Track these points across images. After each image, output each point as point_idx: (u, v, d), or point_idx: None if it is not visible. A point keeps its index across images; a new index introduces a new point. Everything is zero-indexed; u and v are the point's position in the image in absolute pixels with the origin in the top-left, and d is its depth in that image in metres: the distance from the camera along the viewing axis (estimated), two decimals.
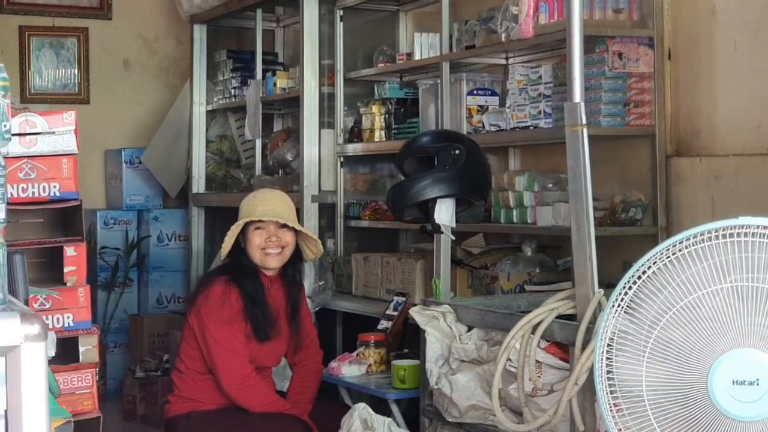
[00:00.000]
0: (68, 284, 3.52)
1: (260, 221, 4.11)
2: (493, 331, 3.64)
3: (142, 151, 7.19)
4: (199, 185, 6.90)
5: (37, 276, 3.63)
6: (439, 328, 3.78)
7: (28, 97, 7.20)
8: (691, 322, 2.43)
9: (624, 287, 2.53)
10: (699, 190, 4.25)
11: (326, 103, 5.84)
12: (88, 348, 3.52)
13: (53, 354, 2.03)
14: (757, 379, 2.37)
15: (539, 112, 4.58)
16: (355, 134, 5.75)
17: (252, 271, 4.14)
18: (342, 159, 5.78)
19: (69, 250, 3.52)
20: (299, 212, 5.31)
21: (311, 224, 5.62)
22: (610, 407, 2.55)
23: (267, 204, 4.14)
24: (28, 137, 3.39)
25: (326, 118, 5.84)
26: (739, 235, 2.40)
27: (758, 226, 2.39)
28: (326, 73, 5.85)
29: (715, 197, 4.18)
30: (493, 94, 5.03)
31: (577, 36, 3.29)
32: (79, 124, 3.49)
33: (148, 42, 7.59)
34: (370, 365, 4.47)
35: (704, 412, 2.42)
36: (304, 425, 4.00)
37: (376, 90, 5.64)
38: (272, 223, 4.12)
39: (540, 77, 4.60)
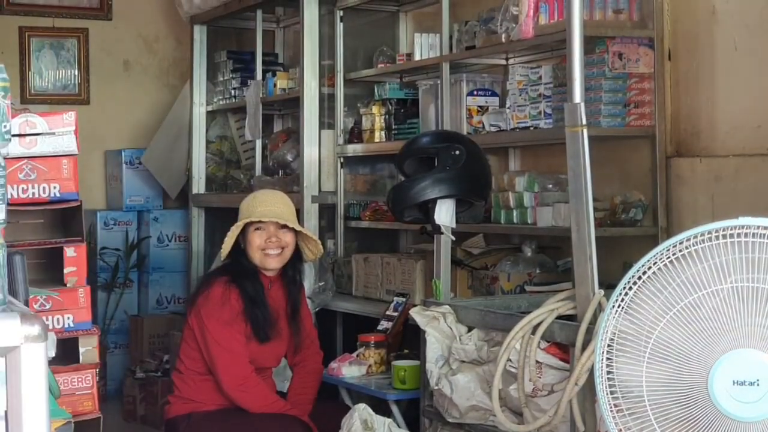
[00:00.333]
0: (68, 285, 3.52)
1: (260, 222, 4.11)
2: (493, 331, 3.64)
3: (142, 152, 7.19)
4: (199, 186, 6.90)
5: (38, 277, 3.63)
6: (440, 329, 3.78)
7: (28, 98, 7.20)
8: (691, 322, 2.43)
9: (624, 288, 2.53)
10: (699, 190, 4.25)
11: (326, 104, 5.84)
12: (88, 349, 3.52)
13: (53, 355, 2.03)
14: (758, 380, 2.37)
15: (539, 113, 4.58)
16: (355, 135, 5.75)
17: (252, 271, 4.14)
18: (342, 159, 5.78)
19: (69, 251, 3.52)
20: (299, 213, 5.31)
21: (311, 225, 5.62)
22: (611, 408, 2.55)
23: (267, 204, 4.14)
24: (28, 138, 3.39)
25: (326, 119, 5.84)
26: (739, 235, 2.40)
27: (758, 227, 2.39)
28: (326, 74, 5.85)
29: (715, 198, 4.18)
30: (493, 94, 5.03)
31: (577, 36, 3.29)
32: (79, 125, 3.49)
33: (148, 42, 7.59)
34: (370, 366, 4.47)
35: (704, 413, 2.42)
36: (305, 426, 4.00)
37: (376, 90, 5.64)
38: (272, 224, 4.12)
39: (540, 78, 4.60)
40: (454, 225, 3.94)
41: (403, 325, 4.61)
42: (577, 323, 3.23)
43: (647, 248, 2.59)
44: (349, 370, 4.42)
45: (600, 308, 3.17)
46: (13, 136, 3.07)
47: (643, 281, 2.50)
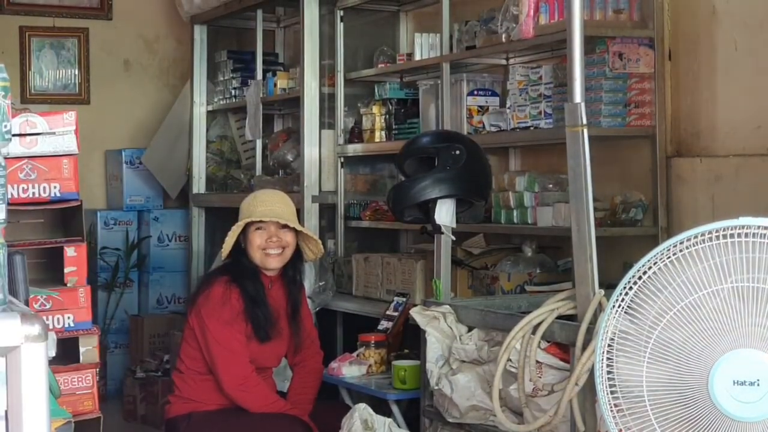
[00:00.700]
0: (68, 285, 3.52)
1: (261, 222, 4.11)
2: (493, 331, 3.64)
3: (143, 152, 7.19)
4: (199, 186, 6.90)
5: (38, 276, 3.63)
6: (440, 329, 3.78)
7: (28, 98, 7.20)
8: (691, 322, 2.43)
9: (624, 288, 2.53)
10: (699, 190, 4.25)
11: (326, 104, 5.84)
12: (88, 348, 3.52)
13: (53, 354, 2.03)
14: (758, 380, 2.37)
15: (539, 113, 4.58)
16: (355, 135, 5.75)
17: (252, 271, 4.14)
18: (342, 159, 5.78)
19: (69, 251, 3.52)
20: (300, 213, 5.31)
21: (312, 225, 5.63)
22: (611, 407, 2.55)
23: (267, 204, 4.14)
24: (28, 138, 3.39)
25: (326, 119, 5.84)
26: (739, 235, 2.40)
27: (759, 227, 2.39)
28: (326, 74, 5.85)
29: (715, 198, 4.18)
30: (494, 94, 5.03)
31: (577, 36, 3.29)
32: (79, 125, 3.49)
33: (148, 42, 7.59)
34: (370, 366, 4.47)
35: (705, 413, 2.42)
36: (305, 426, 4.00)
37: (376, 90, 5.64)
38: (273, 224, 4.12)
39: (540, 78, 4.60)
40: (454, 225, 3.94)
41: (403, 325, 4.61)
42: (577, 323, 3.23)
43: (647, 248, 2.59)
44: (349, 369, 4.42)
45: (600, 308, 3.17)
46: (14, 135, 3.07)
47: (644, 281, 2.50)
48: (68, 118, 3.45)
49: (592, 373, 2.92)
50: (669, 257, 2.47)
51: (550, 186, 4.64)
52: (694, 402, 2.43)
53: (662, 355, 2.46)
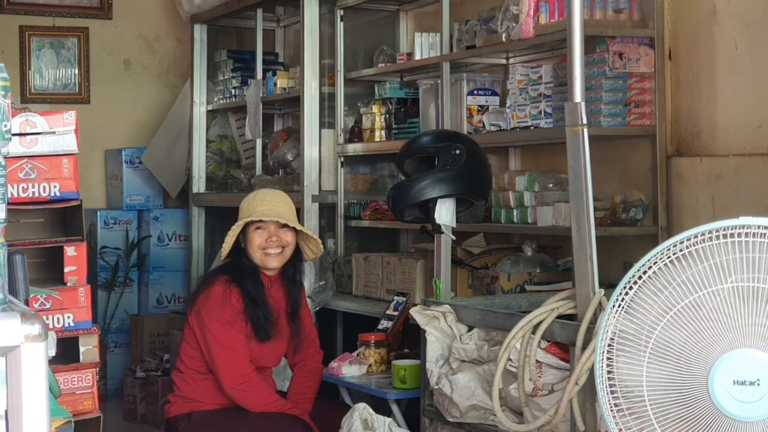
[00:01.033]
0: (68, 284, 3.53)
1: (260, 221, 4.11)
2: (493, 331, 3.64)
3: (143, 151, 7.19)
4: (199, 185, 6.90)
5: (38, 276, 3.63)
6: (440, 328, 3.78)
7: (28, 97, 7.20)
8: (691, 322, 2.43)
9: (625, 287, 2.53)
10: (699, 190, 4.25)
11: (327, 103, 5.84)
12: (88, 348, 3.52)
13: (53, 354, 2.03)
14: (758, 379, 2.37)
15: (540, 112, 4.58)
16: (355, 134, 5.75)
17: (252, 271, 4.13)
18: (342, 159, 5.77)
19: (69, 250, 3.52)
20: (300, 212, 5.31)
21: (312, 224, 5.63)
22: (611, 407, 2.55)
23: (267, 204, 4.13)
24: (28, 137, 3.39)
25: (327, 118, 5.84)
26: (739, 235, 2.40)
27: (759, 227, 2.39)
28: (326, 73, 5.85)
29: (715, 197, 4.18)
30: (494, 94, 5.03)
31: (577, 36, 3.29)
32: (79, 124, 3.49)
33: (148, 42, 7.59)
34: (370, 365, 4.47)
35: (705, 412, 2.42)
36: (305, 425, 4.00)
37: (376, 90, 5.64)
38: (272, 223, 4.12)
39: (540, 77, 4.60)
40: (454, 224, 3.94)
41: (403, 324, 4.61)
42: (577, 323, 3.23)
43: (647, 248, 2.59)
44: (349, 369, 4.42)
45: (600, 308, 3.17)
46: (14, 135, 3.07)
47: (644, 281, 2.50)
48: (68, 117, 3.45)
49: (592, 372, 2.92)
50: (669, 257, 2.47)
51: (550, 185, 4.64)
52: (694, 401, 2.43)
53: (662, 354, 2.46)
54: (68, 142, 3.44)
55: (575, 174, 3.27)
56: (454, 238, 4.04)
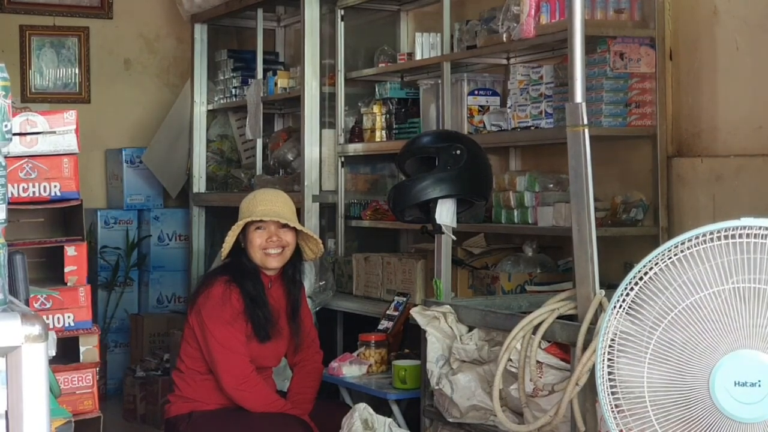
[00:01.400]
0: (69, 284, 3.53)
1: (261, 221, 4.11)
2: (494, 331, 3.64)
3: (143, 151, 7.19)
4: (199, 185, 6.90)
5: (38, 276, 3.63)
6: (440, 329, 3.78)
7: (28, 97, 7.20)
8: (693, 323, 2.43)
9: (626, 288, 2.53)
10: (700, 190, 4.25)
11: (327, 103, 5.84)
12: (88, 348, 3.52)
13: (53, 354, 2.03)
14: (759, 381, 2.37)
15: (540, 113, 4.58)
16: (356, 134, 5.75)
17: (252, 271, 4.13)
18: (343, 159, 5.77)
19: (69, 250, 3.52)
20: (300, 212, 5.31)
21: (312, 224, 5.63)
22: (612, 408, 2.55)
23: (267, 204, 4.13)
24: (28, 137, 3.39)
25: (327, 118, 5.84)
26: (741, 236, 2.40)
27: (760, 227, 2.39)
28: (327, 73, 5.85)
29: (716, 198, 4.18)
30: (494, 94, 5.03)
31: (578, 36, 3.29)
32: (79, 124, 3.49)
33: (148, 41, 7.59)
34: (370, 365, 4.47)
35: (706, 414, 2.42)
36: (305, 425, 4.00)
37: (377, 90, 5.64)
38: (273, 223, 4.12)
39: (541, 77, 4.59)
40: (454, 225, 3.94)
41: (403, 324, 4.61)
42: (577, 323, 3.23)
43: (648, 248, 2.58)
44: (349, 369, 4.42)
45: (601, 308, 3.17)
46: (14, 135, 3.06)
47: (645, 282, 2.50)
48: (68, 117, 3.45)
49: (592, 373, 2.92)
50: (670, 258, 2.47)
51: (551, 186, 4.64)
52: (695, 403, 2.43)
53: (663, 355, 2.46)
54: (68, 142, 3.44)
55: (576, 174, 3.27)
56: (454, 238, 4.03)
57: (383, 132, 5.56)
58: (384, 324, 4.68)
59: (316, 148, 5.76)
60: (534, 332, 3.34)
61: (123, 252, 7.15)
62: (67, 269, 3.52)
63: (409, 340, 4.52)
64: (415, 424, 4.04)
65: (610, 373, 2.55)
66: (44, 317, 2.67)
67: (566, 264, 4.68)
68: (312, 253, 4.26)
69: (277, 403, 4.06)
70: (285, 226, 4.13)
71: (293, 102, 6.20)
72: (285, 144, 6.27)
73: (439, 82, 5.06)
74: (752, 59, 4.15)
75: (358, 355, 4.51)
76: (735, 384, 2.38)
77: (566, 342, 3.30)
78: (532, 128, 4.62)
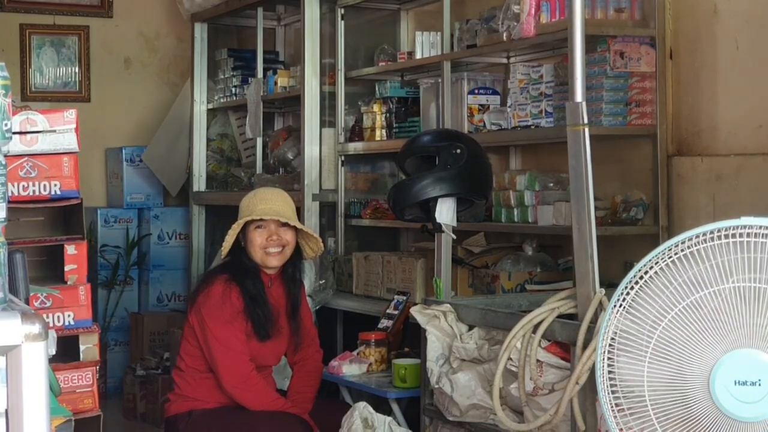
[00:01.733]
0: (69, 282, 3.53)
1: (261, 220, 4.11)
2: (494, 330, 3.64)
3: (143, 150, 7.19)
4: (199, 184, 6.90)
5: (38, 274, 3.63)
6: (440, 327, 3.78)
7: (28, 96, 7.20)
8: (693, 322, 2.43)
9: (626, 287, 2.53)
10: (700, 189, 4.25)
11: (327, 102, 5.84)
12: (88, 346, 3.52)
13: (54, 352, 2.03)
14: (759, 380, 2.37)
15: (540, 112, 4.58)
16: (356, 133, 5.75)
17: (252, 269, 4.13)
18: (343, 158, 5.77)
19: (69, 249, 3.53)
20: (300, 211, 5.31)
21: (312, 223, 5.63)
22: (612, 407, 2.55)
23: (267, 203, 4.13)
24: (28, 135, 3.39)
25: (327, 117, 5.84)
26: (741, 235, 2.40)
27: (760, 227, 2.39)
28: (327, 72, 5.85)
29: (716, 197, 4.18)
30: (494, 93, 5.03)
31: (578, 35, 3.29)
32: (79, 123, 3.49)
33: (149, 40, 7.59)
34: (370, 364, 4.47)
35: (706, 413, 2.42)
36: (305, 424, 4.00)
37: (377, 89, 5.63)
38: (273, 222, 4.12)
39: (541, 76, 4.59)
40: (454, 223, 3.94)
41: (403, 323, 4.61)
42: (578, 322, 3.23)
43: (648, 247, 2.59)
44: (349, 368, 4.42)
45: (601, 307, 3.17)
46: (14, 133, 3.06)
47: (645, 281, 2.50)
48: (69, 115, 3.45)
49: (592, 372, 2.92)
50: (670, 257, 2.47)
51: (551, 185, 4.64)
52: (695, 402, 2.43)
53: (663, 354, 2.46)
54: (69, 141, 3.44)
55: (576, 173, 3.27)
56: (454, 237, 4.03)
57: (383, 131, 5.56)
58: (384, 323, 4.68)
59: (316, 147, 5.76)
60: (534, 331, 3.34)
61: (123, 251, 7.15)
62: (67, 268, 3.52)
63: (409, 338, 4.52)
64: (415, 423, 4.04)
65: (610, 372, 2.55)
66: (44, 316, 2.68)
67: (566, 263, 4.68)
68: (312, 251, 4.26)
69: (277, 402, 4.06)
70: (285, 224, 4.12)
71: (293, 101, 6.20)
72: (285, 143, 6.28)
73: (439, 81, 5.06)
74: (752, 58, 4.15)
75: (358, 354, 4.51)
76: (735, 383, 2.38)
77: (566, 341, 3.30)
78: (532, 127, 4.62)
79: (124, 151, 7.24)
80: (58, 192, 3.46)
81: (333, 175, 5.78)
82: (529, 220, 4.63)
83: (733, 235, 2.40)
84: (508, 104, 4.80)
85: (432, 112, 5.22)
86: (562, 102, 4.19)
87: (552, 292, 3.59)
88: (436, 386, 3.74)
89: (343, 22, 5.82)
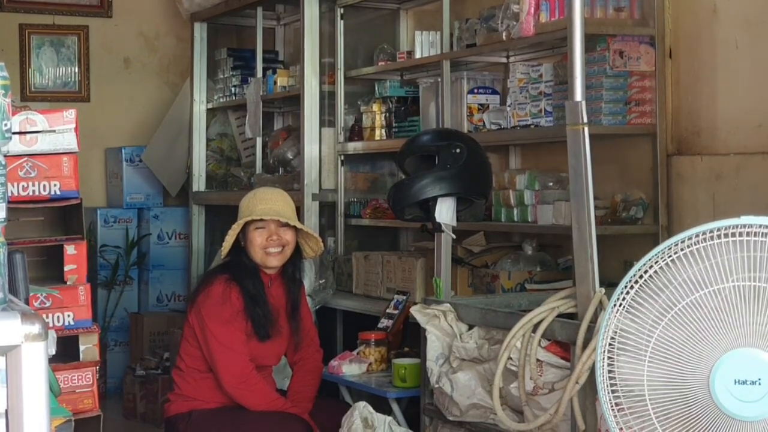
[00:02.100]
0: (68, 282, 3.53)
1: (261, 220, 4.11)
2: (493, 329, 3.64)
3: (143, 150, 7.19)
4: (199, 183, 6.90)
5: (38, 274, 3.63)
6: (440, 327, 3.78)
7: (28, 96, 7.19)
8: (692, 321, 2.43)
9: (626, 287, 2.53)
10: (700, 188, 4.25)
11: (327, 102, 5.84)
12: (88, 346, 3.52)
13: (53, 352, 2.03)
14: (759, 379, 2.37)
15: (540, 111, 4.57)
16: (355, 132, 5.75)
17: (252, 269, 4.13)
18: (343, 157, 5.77)
19: (69, 249, 3.53)
20: (300, 210, 5.31)
21: (312, 222, 5.62)
22: (612, 406, 2.55)
23: (267, 202, 4.13)
24: (28, 135, 3.39)
25: (327, 117, 5.83)
26: (740, 234, 2.40)
27: (760, 226, 2.39)
28: (327, 72, 5.85)
29: (716, 196, 4.18)
30: (494, 92, 5.03)
31: (578, 34, 3.29)
32: (79, 123, 3.49)
33: (148, 40, 7.59)
34: (370, 364, 4.47)
35: (706, 412, 2.42)
36: (305, 424, 4.00)
37: (376, 88, 5.63)
38: (273, 222, 4.12)
39: (541, 76, 4.59)
40: (454, 223, 3.94)
41: (403, 323, 4.61)
42: (577, 322, 3.23)
43: (648, 246, 2.59)
44: (349, 368, 4.42)
45: (601, 307, 3.17)
46: (14, 133, 3.06)
47: (645, 280, 2.50)
48: (68, 115, 3.45)
49: (592, 371, 2.92)
50: (670, 256, 2.47)
51: (551, 184, 4.64)
52: (695, 401, 2.43)
53: (663, 354, 2.46)
54: (68, 141, 3.45)
55: (576, 173, 3.27)
56: (454, 236, 4.03)
57: (383, 130, 5.56)
58: (384, 322, 4.68)
59: (316, 146, 5.76)
60: (534, 330, 3.34)
61: (123, 251, 7.15)
62: (66, 268, 3.52)
63: (409, 338, 4.52)
64: (415, 422, 4.04)
65: (610, 372, 2.55)
66: (44, 316, 2.68)
67: (566, 262, 4.68)
68: (312, 251, 4.26)
69: (277, 402, 4.06)
70: (285, 224, 4.12)
71: (293, 100, 6.20)
72: (285, 142, 6.27)
73: (439, 80, 5.06)
74: (752, 57, 4.15)
75: (358, 354, 4.51)
76: (735, 382, 2.38)
77: (566, 340, 3.30)
78: (532, 126, 4.62)
79: (123, 151, 7.24)
80: (58, 192, 3.46)
81: (333, 175, 5.78)
82: (529, 220, 4.63)
83: (733, 234, 2.40)
84: (508, 103, 4.80)
85: (431, 112, 5.22)
86: (561, 101, 4.19)
87: (552, 292, 3.59)
88: (436, 386, 3.74)
89: (342, 21, 5.82)
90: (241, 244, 4.15)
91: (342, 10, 5.82)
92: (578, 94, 3.27)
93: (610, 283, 3.26)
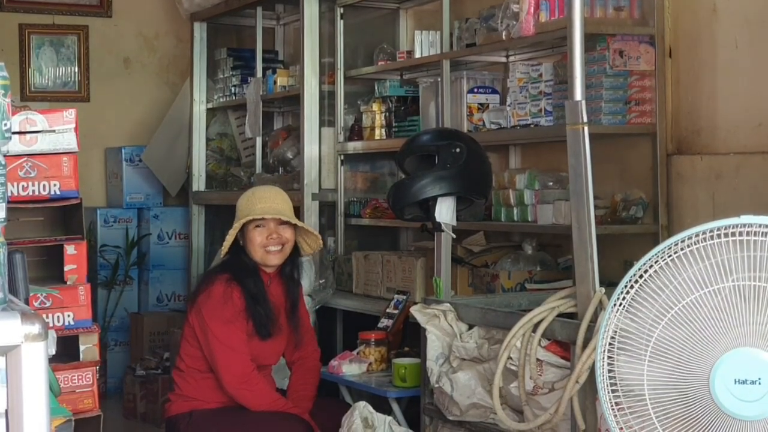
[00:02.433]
0: (68, 282, 3.53)
1: (261, 219, 4.10)
2: (493, 329, 3.64)
3: (143, 149, 7.19)
4: (199, 183, 6.90)
5: (38, 274, 3.63)
6: (440, 327, 3.78)
7: (28, 95, 7.19)
8: (692, 321, 2.43)
9: (626, 286, 2.53)
10: (700, 188, 4.25)
11: (327, 101, 5.84)
12: (88, 346, 3.52)
13: (53, 352, 2.03)
14: (759, 378, 2.37)
15: (540, 110, 4.57)
16: (355, 132, 5.75)
17: (252, 268, 4.13)
18: (342, 157, 5.77)
19: (69, 249, 3.53)
20: (300, 210, 5.31)
21: (312, 222, 5.62)
22: (612, 406, 2.55)
23: (266, 201, 4.13)
24: (28, 135, 3.39)
25: (327, 116, 5.83)
26: (740, 233, 2.40)
27: (760, 225, 2.39)
28: (327, 71, 5.85)
29: (716, 195, 4.18)
30: (494, 92, 5.03)
31: (578, 34, 3.29)
32: (79, 122, 3.49)
33: (148, 40, 7.59)
34: (370, 364, 4.47)
35: (706, 411, 2.42)
36: (305, 424, 4.00)
37: (376, 88, 5.63)
38: (272, 221, 4.12)
39: (541, 75, 4.59)
40: (454, 223, 3.94)
41: (403, 322, 4.61)
42: (577, 321, 3.23)
43: (648, 246, 2.59)
44: (349, 368, 4.42)
45: (601, 306, 3.17)
46: (14, 133, 3.07)
47: (645, 280, 2.50)
48: (68, 115, 3.45)
49: (592, 371, 2.92)
50: (670, 256, 2.47)
51: (551, 184, 4.64)
52: (695, 400, 2.43)
53: (663, 353, 2.46)
54: (68, 141, 3.45)
55: (575, 172, 3.27)
56: (454, 236, 4.03)
57: (383, 130, 5.56)
58: (384, 322, 4.68)
59: (316, 146, 5.76)
60: (534, 330, 3.34)
61: (123, 251, 7.15)
62: (66, 268, 3.52)
63: (409, 338, 4.52)
64: (415, 422, 4.04)
65: (610, 371, 2.55)
66: (44, 316, 2.68)
67: (566, 262, 4.68)
68: (310, 248, 4.26)
69: (277, 402, 4.05)
70: (284, 222, 4.12)
71: (293, 100, 6.20)
72: (284, 142, 6.27)
73: (439, 80, 5.06)
74: (752, 57, 4.15)
75: (357, 354, 4.51)
76: (735, 382, 2.38)
77: (566, 340, 3.30)
78: (532, 126, 4.62)
79: (123, 150, 7.24)
80: (58, 192, 3.46)
81: (332, 175, 5.78)
82: (529, 219, 4.63)
83: (733, 234, 2.40)
84: (508, 103, 4.80)
85: (431, 111, 5.22)
86: (561, 101, 4.19)
87: (552, 291, 3.59)
88: (436, 385, 3.74)
89: (342, 21, 5.82)
90: (240, 244, 4.15)
91: (342, 10, 5.82)
92: (578, 94, 3.27)
93: (610, 282, 3.26)
